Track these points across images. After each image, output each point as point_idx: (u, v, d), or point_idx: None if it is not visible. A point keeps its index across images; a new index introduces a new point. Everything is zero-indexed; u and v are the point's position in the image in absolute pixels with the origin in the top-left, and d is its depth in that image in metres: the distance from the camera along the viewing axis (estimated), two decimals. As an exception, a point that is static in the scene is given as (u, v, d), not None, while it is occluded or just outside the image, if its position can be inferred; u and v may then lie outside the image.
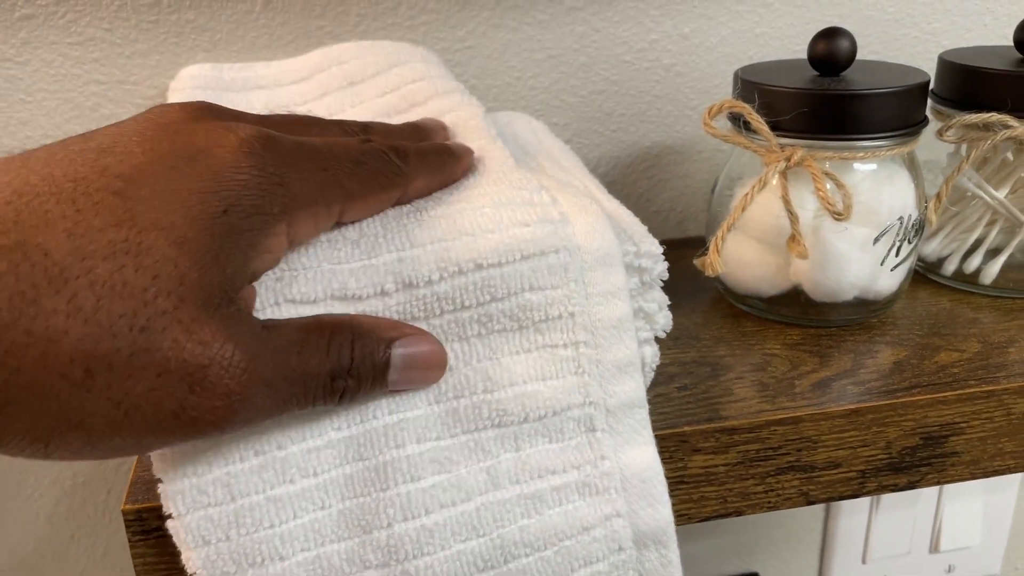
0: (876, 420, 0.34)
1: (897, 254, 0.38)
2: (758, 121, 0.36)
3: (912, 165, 0.39)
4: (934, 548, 0.63)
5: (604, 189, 0.36)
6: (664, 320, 0.33)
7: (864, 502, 0.60)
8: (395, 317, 0.27)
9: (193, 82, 0.39)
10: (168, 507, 0.26)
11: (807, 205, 0.37)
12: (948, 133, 0.40)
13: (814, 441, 0.34)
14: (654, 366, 0.34)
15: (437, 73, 0.37)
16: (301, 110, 0.38)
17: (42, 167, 0.22)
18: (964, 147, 0.42)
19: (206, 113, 0.25)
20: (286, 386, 0.24)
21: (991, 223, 0.42)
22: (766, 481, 0.34)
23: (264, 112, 0.38)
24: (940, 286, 0.43)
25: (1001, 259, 0.41)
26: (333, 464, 0.27)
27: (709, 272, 0.37)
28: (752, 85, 0.37)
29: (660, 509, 0.30)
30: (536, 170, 0.34)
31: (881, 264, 0.38)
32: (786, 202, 0.36)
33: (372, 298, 0.27)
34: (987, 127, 0.39)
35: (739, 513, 0.34)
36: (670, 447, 0.32)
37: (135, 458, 0.30)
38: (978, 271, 0.42)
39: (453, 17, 0.44)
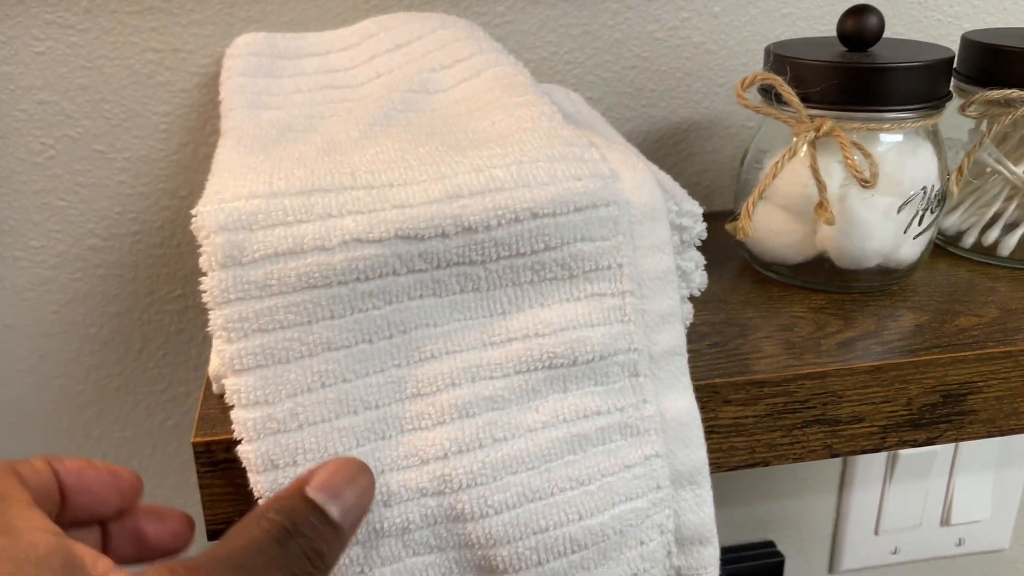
0: (898, 377, 0.35)
1: (920, 223, 0.40)
2: (789, 93, 0.38)
3: (936, 139, 0.40)
4: (945, 521, 0.64)
5: (642, 155, 0.37)
6: (700, 279, 0.35)
7: (878, 474, 0.62)
8: (454, 260, 0.29)
9: (248, 49, 0.41)
10: (240, 432, 0.28)
11: (834, 175, 0.39)
12: (971, 108, 0.41)
13: (839, 396, 0.35)
14: (687, 323, 0.36)
15: (481, 35, 0.39)
16: (351, 73, 0.40)
17: None
18: (985, 123, 0.43)
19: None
20: None
21: (1010, 198, 0.43)
22: (792, 433, 0.36)
23: (316, 77, 0.40)
24: (959, 258, 0.45)
25: (1019, 232, 0.43)
26: (393, 398, 0.29)
27: (740, 236, 0.39)
28: (783, 59, 0.39)
29: (696, 451, 0.32)
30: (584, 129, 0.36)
31: (904, 232, 0.39)
32: (814, 171, 0.38)
33: (433, 239, 0.28)
34: (1008, 103, 0.41)
35: (766, 463, 0.36)
36: (702, 398, 0.34)
37: (201, 396, 0.32)
38: (996, 243, 0.43)
39: (493, -7, 0.46)
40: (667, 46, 0.48)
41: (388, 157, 0.31)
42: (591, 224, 0.30)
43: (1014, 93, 0.40)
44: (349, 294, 0.28)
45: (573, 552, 0.30)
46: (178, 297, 0.48)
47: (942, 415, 0.37)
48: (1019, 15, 0.52)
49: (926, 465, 0.61)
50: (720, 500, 0.63)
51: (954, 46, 0.44)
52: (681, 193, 0.34)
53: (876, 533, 0.64)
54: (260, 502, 0.28)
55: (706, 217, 0.34)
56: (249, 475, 0.28)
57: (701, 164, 0.51)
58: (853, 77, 0.38)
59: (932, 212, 0.40)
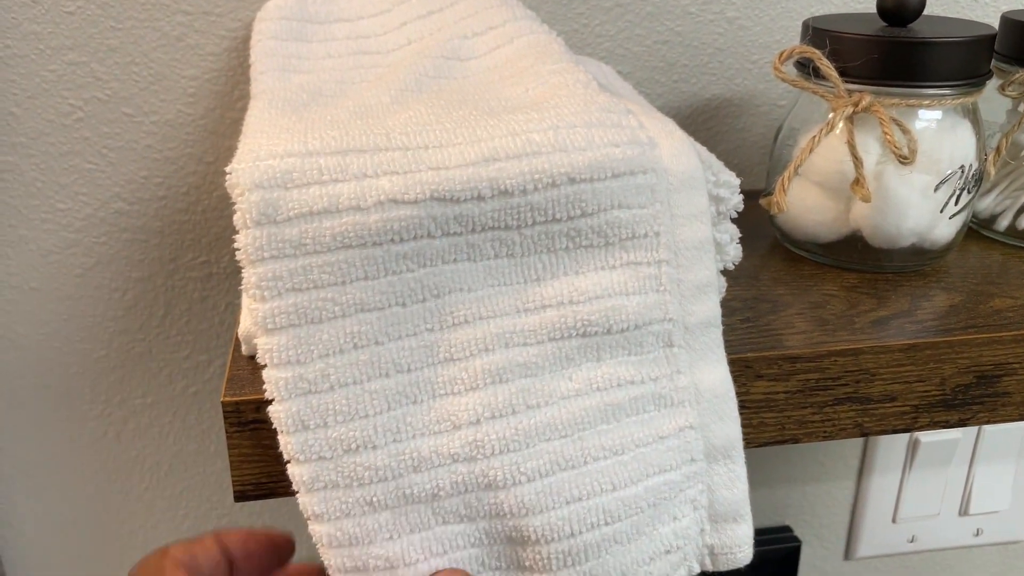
0: (933, 356, 0.35)
1: (956, 202, 0.39)
2: (828, 67, 0.37)
3: (975, 117, 0.39)
4: (964, 511, 0.64)
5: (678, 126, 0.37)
6: (734, 252, 0.34)
7: (898, 462, 0.61)
8: (489, 224, 0.29)
9: (279, 13, 0.41)
10: (271, 392, 0.27)
11: (870, 151, 0.38)
12: (1010, 88, 0.41)
13: (872, 374, 0.35)
14: (721, 296, 0.36)
15: (514, 2, 0.39)
16: (382, 39, 0.40)
17: None
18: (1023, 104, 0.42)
19: None
20: None
21: (1046, 180, 0.43)
22: (823, 411, 0.35)
23: (346, 43, 0.40)
24: (992, 241, 0.44)
25: (1055, 215, 0.42)
26: (425, 362, 0.29)
27: (775, 211, 0.38)
28: (823, 32, 0.38)
29: (730, 425, 0.32)
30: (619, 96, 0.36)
31: (940, 211, 0.39)
32: (851, 146, 0.37)
33: (469, 201, 0.28)
34: (1049, 83, 0.40)
35: (795, 440, 0.36)
36: (734, 372, 0.34)
37: (230, 357, 0.32)
38: (1031, 227, 0.43)
39: (526, -38, 0.45)
40: (700, 20, 0.48)
41: (421, 121, 0.31)
42: (628, 191, 0.29)
43: (1056, 73, 0.39)
44: (383, 255, 0.28)
45: (606, 524, 0.29)
46: (202, 264, 0.48)
47: (975, 396, 0.36)
48: (1058, -2, 0.51)
49: (947, 454, 0.61)
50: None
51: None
52: (718, 164, 0.34)
53: (894, 521, 0.63)
54: (288, 464, 0.28)
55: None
56: (279, 436, 0.28)
57: (731, 142, 0.50)
58: (894, 51, 0.37)
59: (969, 192, 0.39)
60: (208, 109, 0.45)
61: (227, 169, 0.27)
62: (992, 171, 0.41)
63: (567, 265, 0.30)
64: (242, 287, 0.28)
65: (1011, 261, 0.42)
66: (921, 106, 0.38)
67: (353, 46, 0.40)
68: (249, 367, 0.32)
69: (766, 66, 0.49)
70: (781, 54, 0.39)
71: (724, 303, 0.37)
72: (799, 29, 0.49)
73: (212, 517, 0.54)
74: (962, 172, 0.38)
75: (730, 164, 0.51)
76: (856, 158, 0.37)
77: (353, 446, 0.28)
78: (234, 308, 0.49)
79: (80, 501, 0.52)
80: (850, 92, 0.38)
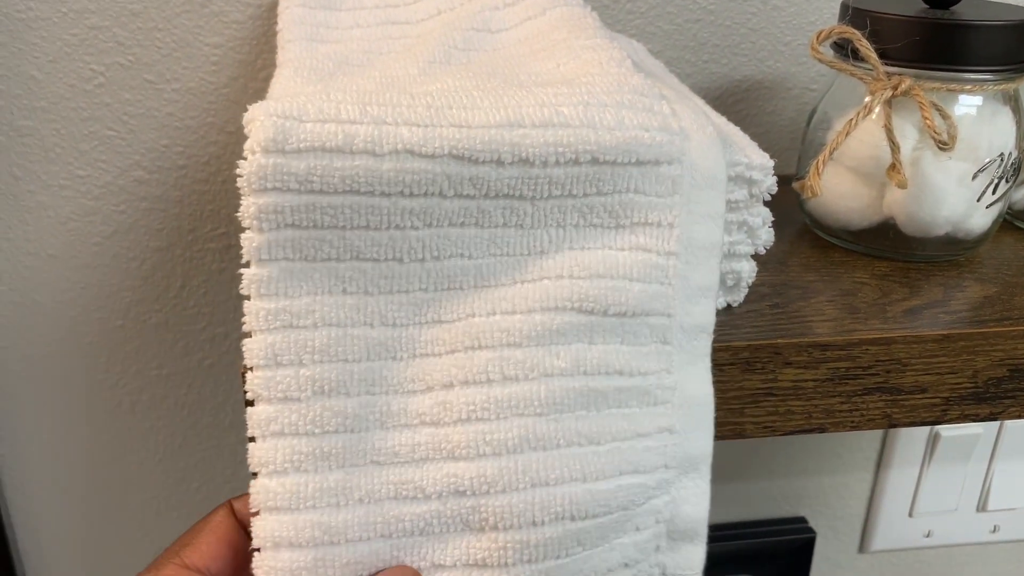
0: (966, 348, 0.34)
1: (994, 192, 0.38)
2: (867, 48, 0.36)
3: (1016, 105, 0.38)
4: (982, 507, 0.63)
5: (711, 110, 0.36)
6: (766, 235, 0.34)
7: (917, 456, 0.60)
8: (504, 191, 0.28)
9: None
10: (251, 324, 0.26)
11: (907, 137, 0.37)
12: (1053, 76, 0.40)
13: (903, 364, 0.34)
14: (750, 281, 0.35)
15: None
16: (411, 9, 0.39)
17: None
18: (1066, 93, 0.41)
19: None
20: None
21: (1085, 172, 0.42)
22: (852, 400, 0.34)
23: (375, 12, 0.39)
24: (1027, 233, 0.43)
25: (1093, 208, 0.41)
26: (412, 320, 0.28)
27: (808, 195, 0.37)
28: (863, 13, 0.37)
29: (706, 437, 0.31)
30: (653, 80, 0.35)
31: (977, 200, 0.38)
32: (888, 131, 0.36)
33: (488, 164, 0.27)
34: (1094, 71, 0.39)
35: (822, 430, 0.35)
36: (763, 358, 0.33)
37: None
38: (1068, 219, 0.42)
39: (558, -65, 0.44)
40: (733, 0, 0.47)
41: (448, 91, 0.30)
42: (649, 179, 0.28)
43: (1102, 60, 0.38)
44: (390, 207, 0.27)
45: (571, 519, 0.28)
46: (221, 235, 0.47)
47: (1007, 390, 0.35)
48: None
49: (967, 449, 0.60)
50: (754, 473, 0.62)
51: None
52: (751, 145, 0.33)
53: (910, 515, 0.63)
54: (249, 407, 0.27)
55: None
56: (248, 375, 0.27)
57: (761, 126, 0.49)
58: (936, 34, 0.36)
59: (1007, 181, 0.38)
60: (231, 78, 0.44)
61: (244, 114, 0.27)
62: (1031, 160, 0.40)
63: (574, 240, 0.28)
64: (239, 214, 0.26)
65: (1046, 254, 0.41)
66: (962, 91, 0.37)
67: (382, 16, 0.40)
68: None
69: (799, 48, 0.48)
70: (819, 34, 0.38)
71: (753, 288, 0.36)
72: (833, 10, 0.48)
73: (225, 491, 0.54)
74: (1001, 160, 0.37)
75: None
76: (893, 143, 0.36)
77: (326, 388, 0.27)
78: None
79: (94, 470, 0.51)
80: (889, 75, 0.37)
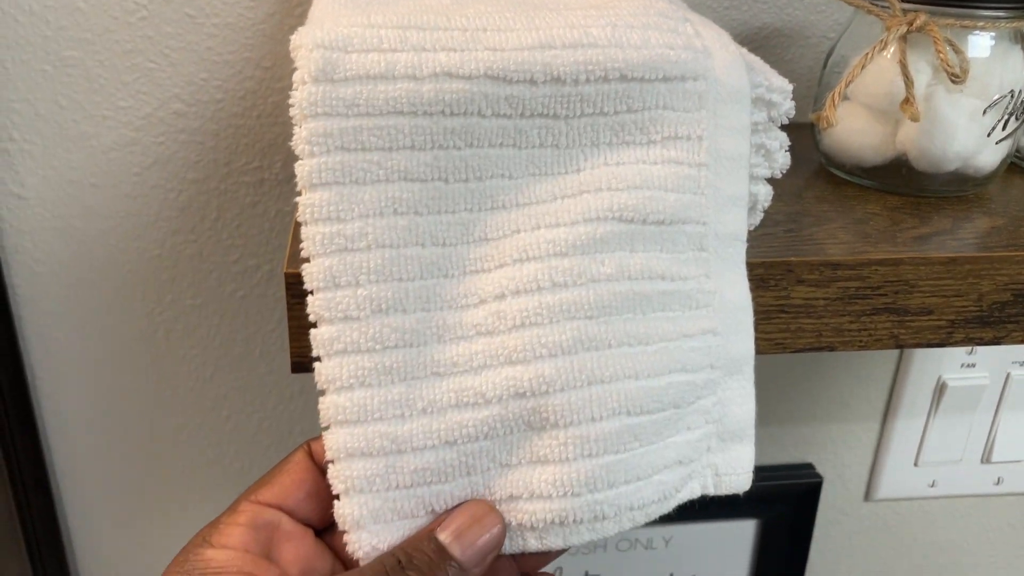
0: (972, 271, 0.36)
1: (1004, 128, 0.39)
2: (884, -15, 0.38)
3: (1027, 44, 0.40)
4: (986, 459, 0.65)
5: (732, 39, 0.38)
6: (783, 159, 0.35)
7: (923, 406, 0.62)
8: (538, 110, 0.29)
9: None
10: (308, 248, 0.28)
11: (921, 72, 0.39)
12: (1065, 18, 0.41)
13: (911, 285, 0.36)
14: (766, 205, 0.37)
15: None
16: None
17: None
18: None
19: None
20: None
21: (1094, 115, 0.43)
22: (861, 320, 0.36)
23: None
24: (1036, 175, 0.45)
25: (1101, 150, 0.42)
26: (460, 239, 0.29)
27: (823, 125, 0.39)
28: (881, -49, 0.39)
29: (746, 339, 0.32)
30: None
31: (988, 136, 0.39)
32: (903, 65, 0.38)
33: (522, 83, 0.29)
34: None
35: (831, 348, 0.37)
36: (776, 275, 0.35)
37: (291, 235, 0.33)
38: (1076, 161, 0.43)
39: None
40: (755, -53, 0.48)
41: (482, 13, 0.31)
42: (676, 95, 0.30)
43: (1113, 2, 0.39)
44: (432, 126, 0.28)
45: (628, 414, 0.29)
46: (255, 169, 0.49)
47: (1011, 315, 0.37)
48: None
49: (973, 399, 0.62)
50: (762, 418, 0.63)
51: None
52: (770, 70, 0.34)
53: (916, 465, 0.64)
54: (313, 329, 0.28)
55: (782, 126, 0.34)
56: (309, 298, 0.28)
57: (780, 73, 0.51)
58: (951, -28, 0.37)
59: (1017, 118, 0.40)
60: (268, 14, 0.46)
61: (291, 37, 0.28)
62: (1041, 100, 0.41)
63: (608, 157, 0.30)
64: (292, 143, 0.28)
65: (1054, 193, 0.43)
66: (975, 28, 0.38)
67: None
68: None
69: (818, -5, 0.49)
70: (838, -29, 0.39)
71: (768, 215, 0.38)
72: (853, -39, 0.49)
73: (254, 420, 0.56)
74: (1011, 97, 0.39)
75: (776, 94, 0.51)
76: (908, 77, 0.38)
77: (384, 306, 0.28)
78: (283, 215, 0.50)
79: (129, 394, 0.54)
80: (905, 12, 0.38)
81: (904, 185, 0.41)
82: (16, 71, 0.45)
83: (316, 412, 0.29)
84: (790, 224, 0.38)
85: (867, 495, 0.65)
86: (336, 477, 0.28)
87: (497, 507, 0.30)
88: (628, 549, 0.63)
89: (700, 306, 0.31)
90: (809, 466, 0.64)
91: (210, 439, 0.56)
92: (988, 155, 0.40)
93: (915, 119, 0.38)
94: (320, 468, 0.32)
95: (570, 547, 0.30)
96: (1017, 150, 0.45)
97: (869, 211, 0.39)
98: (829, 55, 0.43)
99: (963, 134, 0.39)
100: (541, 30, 0.29)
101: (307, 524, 0.32)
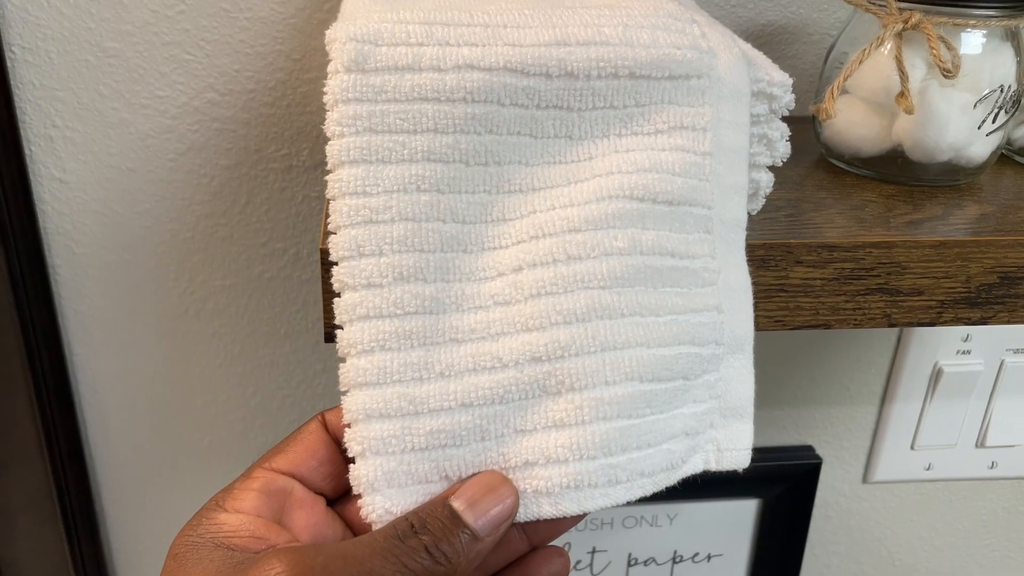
0: (960, 254, 0.38)
1: (994, 121, 0.42)
2: (881, -15, 0.40)
3: (1016, 42, 0.42)
4: (980, 443, 0.67)
5: (737, 37, 0.40)
6: (784, 148, 0.38)
7: (920, 390, 0.64)
8: (553, 102, 0.32)
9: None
10: (335, 222, 0.30)
11: (916, 67, 0.41)
12: (1053, 18, 0.43)
13: (903, 267, 0.38)
14: (767, 192, 0.39)
15: None
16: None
17: None
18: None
19: None
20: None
21: (1082, 110, 0.45)
22: (855, 299, 0.38)
23: None
24: (1025, 167, 0.47)
25: (1087, 143, 0.45)
26: (479, 218, 0.32)
27: (823, 117, 0.41)
28: (879, -47, 0.41)
29: (747, 320, 0.35)
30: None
31: (978, 128, 0.42)
32: (899, 61, 0.40)
33: (538, 76, 0.31)
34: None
35: (827, 326, 0.39)
36: (776, 256, 0.37)
37: (324, 211, 0.36)
38: (1064, 154, 0.45)
39: None
40: (761, -52, 0.50)
41: (503, 10, 0.34)
42: (681, 91, 0.33)
43: (1098, 3, 0.42)
44: (454, 111, 0.31)
45: (640, 380, 0.31)
46: (284, 156, 0.52)
47: (997, 296, 0.39)
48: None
49: (968, 385, 0.64)
50: (764, 401, 0.66)
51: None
52: (773, 65, 0.37)
53: (912, 448, 0.67)
54: (336, 298, 0.30)
55: (784, 120, 0.37)
56: (333, 269, 0.30)
57: (783, 68, 0.53)
58: (945, -27, 0.40)
59: (1006, 112, 0.42)
60: (299, 8, 0.48)
61: (327, 32, 0.31)
62: (1030, 95, 0.43)
63: (619, 145, 0.32)
64: (324, 126, 0.31)
65: (1042, 184, 0.45)
66: (967, 26, 0.40)
67: None
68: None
69: (821, -6, 0.52)
70: (838, -28, 0.41)
71: (769, 201, 0.40)
72: (855, -39, 0.51)
73: (277, 397, 0.58)
74: (1001, 91, 0.41)
75: (780, 88, 0.54)
76: (903, 72, 0.40)
77: (405, 273, 0.30)
78: (310, 200, 0.53)
79: (160, 371, 0.56)
80: (901, 10, 0.40)
81: (899, 174, 0.43)
82: (60, 61, 0.48)
83: (338, 390, 0.30)
84: (790, 210, 0.40)
85: (865, 477, 0.68)
86: (353, 439, 0.30)
87: (512, 474, 0.30)
88: (634, 526, 0.65)
89: (706, 284, 0.33)
90: (809, 448, 0.66)
91: (236, 414, 0.58)
92: (979, 147, 0.42)
93: (910, 112, 0.41)
94: (334, 438, 0.32)
95: (585, 514, 0.31)
96: (1008, 142, 0.48)
97: (865, 198, 0.42)
98: (830, 51, 0.45)
99: (955, 126, 0.41)
100: (557, 27, 0.32)
101: (319, 493, 0.33)
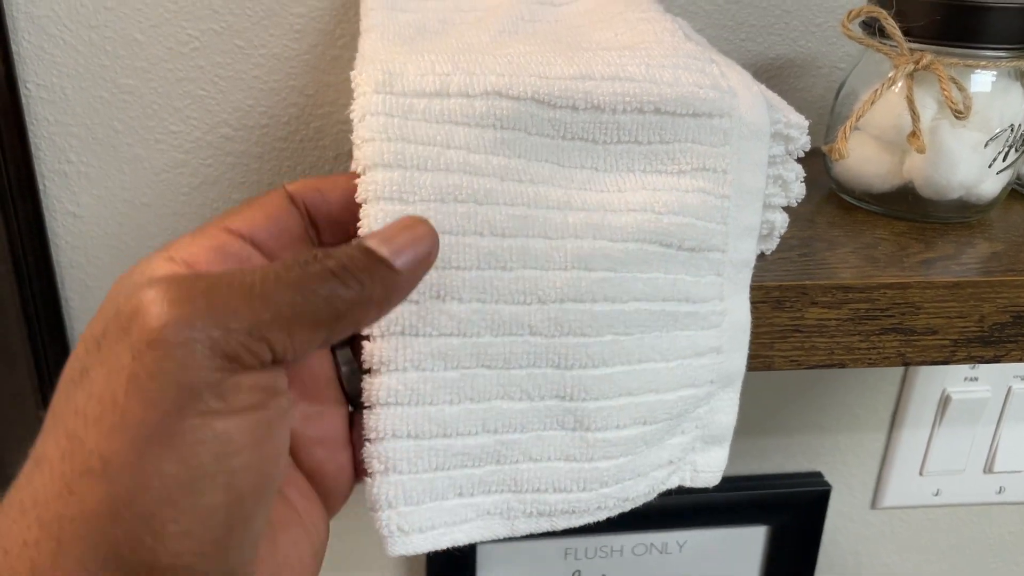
0: (974, 294, 0.38)
1: (1004, 159, 0.42)
2: (893, 26, 0.41)
3: (1026, 81, 0.43)
4: (988, 468, 0.67)
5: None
6: (798, 189, 0.38)
7: (928, 416, 0.65)
8: (579, 134, 0.31)
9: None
10: (368, 225, 0.28)
11: (927, 107, 0.41)
12: (1062, 56, 0.43)
13: (917, 307, 0.38)
14: (782, 231, 0.39)
15: None
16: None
17: None
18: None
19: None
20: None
21: (1090, 146, 0.45)
22: (870, 339, 0.39)
23: None
24: (1035, 202, 0.47)
25: (1096, 178, 0.45)
26: (519, 232, 0.30)
27: (835, 157, 0.41)
28: (889, -6, 0.41)
29: (743, 356, 0.35)
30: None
31: (989, 167, 0.42)
32: (910, 101, 0.41)
33: (564, 108, 0.31)
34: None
35: (842, 365, 0.39)
36: (791, 297, 0.37)
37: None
38: (1073, 189, 0.46)
39: (611, -80, 0.48)
40: (770, -17, 0.51)
41: (524, 52, 0.34)
42: (704, 130, 0.33)
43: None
44: (484, 136, 0.30)
45: (644, 424, 0.32)
46: (296, 189, 0.52)
47: (1010, 335, 0.39)
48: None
49: (976, 411, 0.64)
50: (774, 429, 0.66)
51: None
52: (788, 107, 0.37)
53: (921, 474, 0.67)
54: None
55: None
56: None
57: (792, 101, 0.52)
58: (955, 14, 0.40)
59: (1016, 150, 0.42)
60: (312, 45, 0.49)
61: (351, 73, 0.30)
62: (1040, 133, 0.44)
63: (646, 182, 0.32)
64: (352, 137, 0.29)
65: (1052, 219, 0.45)
66: (977, 67, 0.41)
67: None
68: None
69: (829, 29, 0.52)
70: (850, 13, 0.42)
71: (784, 240, 0.40)
72: (863, -4, 0.52)
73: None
74: (1011, 131, 0.42)
75: (789, 121, 0.54)
76: (914, 112, 0.41)
77: (441, 292, 0.29)
78: (321, 233, 0.53)
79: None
80: (912, 51, 0.41)
81: (910, 211, 0.44)
82: (75, 98, 0.48)
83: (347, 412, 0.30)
84: (804, 248, 0.41)
85: (873, 503, 0.68)
86: (375, 457, 0.29)
87: (520, 496, 0.32)
88: (644, 554, 0.65)
89: (711, 327, 0.34)
90: (818, 474, 0.66)
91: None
92: (990, 184, 0.43)
93: (921, 151, 0.41)
94: (296, 206, 0.28)
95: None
96: (1018, 177, 0.48)
97: (878, 236, 0.42)
98: (840, 88, 0.46)
99: (966, 165, 0.42)
100: (581, 65, 0.32)
101: None
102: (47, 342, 0.52)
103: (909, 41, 0.41)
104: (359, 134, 0.29)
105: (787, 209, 0.39)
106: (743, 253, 0.35)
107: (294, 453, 0.29)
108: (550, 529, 0.33)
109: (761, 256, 0.39)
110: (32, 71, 0.48)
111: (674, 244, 0.32)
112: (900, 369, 0.63)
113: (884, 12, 0.41)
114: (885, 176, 0.44)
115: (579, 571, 0.65)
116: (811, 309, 0.38)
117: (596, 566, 0.65)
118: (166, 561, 0.22)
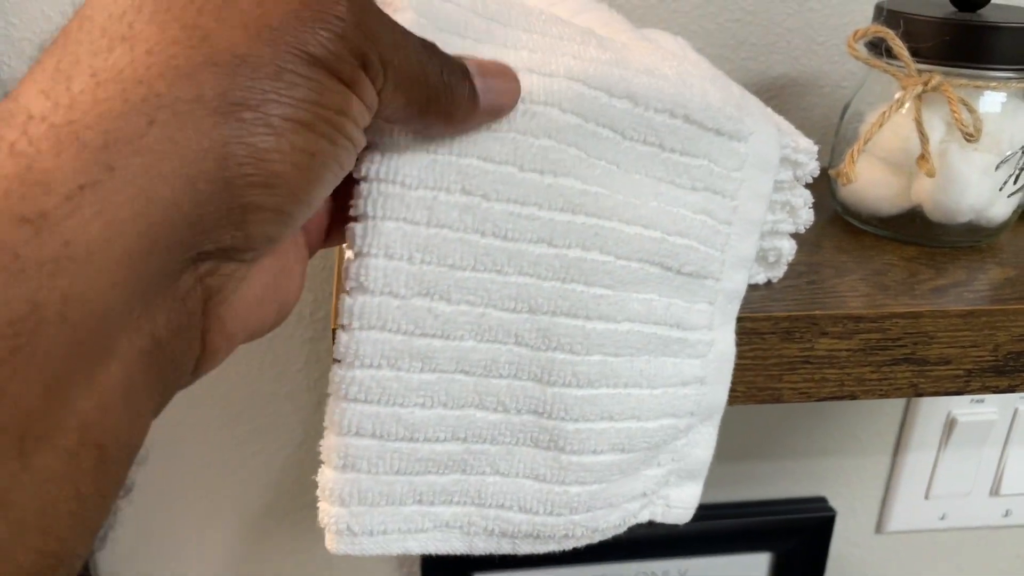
0: (988, 323, 0.37)
1: (1015, 182, 0.41)
2: (900, 47, 0.39)
3: (1037, 102, 0.41)
4: (995, 491, 0.66)
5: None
6: (806, 216, 0.37)
7: (934, 440, 0.63)
8: (609, 125, 0.29)
9: None
10: (362, 205, 0.26)
11: (935, 129, 0.40)
12: (1072, 76, 0.42)
13: (930, 337, 0.37)
14: (790, 259, 0.38)
15: None
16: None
17: None
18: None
19: None
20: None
21: (1101, 167, 0.44)
22: (881, 370, 0.37)
23: None
24: (1045, 224, 0.46)
25: (1108, 200, 0.44)
26: (523, 237, 0.28)
27: (843, 181, 0.40)
28: (896, 14, 0.40)
29: (725, 390, 0.34)
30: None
31: (999, 190, 0.41)
32: (919, 123, 0.39)
33: (598, 90, 0.28)
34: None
35: (853, 397, 0.38)
36: (801, 328, 0.36)
37: (336, 264, 0.34)
38: (1084, 211, 0.45)
39: (609, -62, 0.47)
40: (772, 1, 0.50)
41: (554, 34, 0.30)
42: (724, 151, 0.32)
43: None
44: (512, 111, 0.27)
45: (622, 451, 0.31)
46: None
47: (1026, 364, 0.38)
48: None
49: (981, 435, 0.63)
50: (778, 454, 0.65)
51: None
52: (796, 132, 0.36)
53: (926, 498, 0.66)
54: (346, 288, 0.26)
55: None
56: (350, 261, 0.26)
57: (794, 120, 0.51)
58: (964, 35, 0.39)
59: (1028, 173, 0.41)
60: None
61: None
62: (1050, 154, 0.42)
63: (659, 196, 0.31)
64: None
65: (1063, 242, 0.44)
66: (987, 88, 0.40)
67: None
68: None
69: (832, 48, 0.51)
70: (856, 33, 0.41)
71: (791, 266, 0.39)
72: (864, 12, 0.51)
73: (279, 457, 0.57)
74: (1022, 153, 0.40)
75: (792, 141, 0.53)
76: (923, 135, 0.39)
77: (430, 289, 0.27)
78: (314, 259, 0.52)
79: (162, 432, 0.55)
80: (920, 72, 0.40)
81: (919, 235, 0.43)
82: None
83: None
84: (812, 275, 0.39)
85: (879, 527, 0.67)
86: (334, 451, 0.27)
87: (482, 512, 0.30)
88: (645, 581, 0.64)
89: (697, 356, 0.33)
90: (822, 499, 0.65)
91: (239, 474, 0.57)
92: (1000, 207, 0.42)
93: (931, 175, 0.40)
94: None
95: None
96: (1026, 198, 0.47)
97: (887, 262, 0.41)
98: (845, 110, 0.45)
99: (975, 188, 0.40)
100: (615, 52, 0.29)
101: None
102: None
103: (917, 62, 0.40)
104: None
105: (791, 232, 0.38)
106: (735, 284, 0.34)
107: None
108: (511, 552, 0.32)
109: (769, 284, 0.38)
110: (13, 95, 0.46)
111: (674, 267, 0.31)
112: (905, 392, 0.61)
113: (891, 32, 0.40)
114: (893, 199, 0.42)
115: (579, 601, 0.63)
116: (821, 340, 0.36)
117: (597, 596, 0.63)
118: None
